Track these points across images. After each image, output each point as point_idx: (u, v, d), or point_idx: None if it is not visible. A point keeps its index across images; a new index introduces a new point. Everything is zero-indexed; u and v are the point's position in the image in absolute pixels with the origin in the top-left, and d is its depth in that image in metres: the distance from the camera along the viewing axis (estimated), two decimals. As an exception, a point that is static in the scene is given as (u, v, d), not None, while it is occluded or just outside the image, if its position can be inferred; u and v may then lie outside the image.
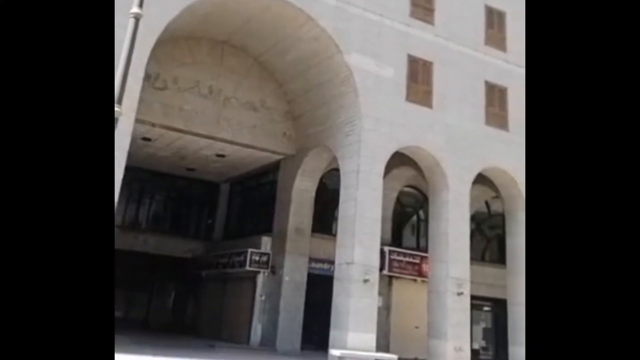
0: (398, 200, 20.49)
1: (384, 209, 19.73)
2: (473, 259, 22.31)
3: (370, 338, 13.77)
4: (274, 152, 18.69)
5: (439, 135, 16.50)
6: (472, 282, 21.25)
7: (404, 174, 19.23)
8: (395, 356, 14.00)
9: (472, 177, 16.75)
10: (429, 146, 16.30)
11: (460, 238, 16.15)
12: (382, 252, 18.84)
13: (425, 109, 16.44)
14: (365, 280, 14.05)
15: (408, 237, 20.88)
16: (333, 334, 14.05)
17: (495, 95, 17.94)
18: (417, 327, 16.23)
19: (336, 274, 14.80)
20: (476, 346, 21.89)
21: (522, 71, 18.61)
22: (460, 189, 16.45)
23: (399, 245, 19.58)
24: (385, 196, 19.80)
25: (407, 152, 16.80)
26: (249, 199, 21.80)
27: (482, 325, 21.89)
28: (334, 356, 13.27)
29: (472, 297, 22.93)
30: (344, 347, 13.40)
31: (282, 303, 17.15)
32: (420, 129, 16.26)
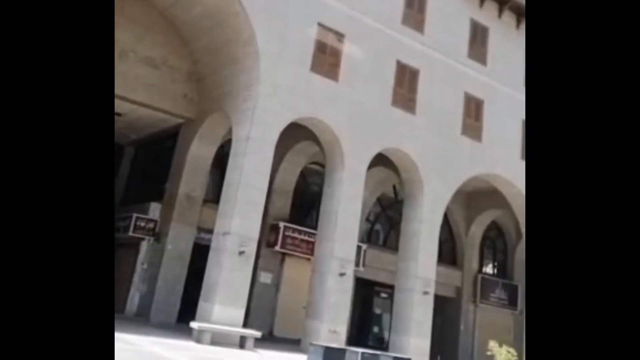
0: (302, 175, 19.79)
1: (286, 183, 19.16)
2: (374, 243, 22.17)
3: (239, 313, 13.03)
4: (171, 113, 17.58)
5: (342, 110, 15.84)
6: (371, 267, 21.13)
7: (310, 150, 18.53)
8: (258, 333, 13.31)
9: (370, 156, 16.21)
10: (330, 120, 15.62)
11: (351, 218, 15.60)
12: (276, 228, 18.17)
13: (330, 82, 15.74)
14: (241, 252, 13.26)
15: (309, 215, 20.25)
16: (201, 305, 13.24)
17: (405, 76, 17.44)
18: (304, 307, 15.65)
19: (213, 244, 13.96)
20: (376, 331, 21.67)
21: (438, 55, 18.23)
22: (357, 168, 15.88)
23: (299, 223, 18.90)
24: (289, 170, 19.21)
25: (309, 125, 16.09)
26: (150, 163, 20.60)
27: (377, 311, 21.64)
28: (194, 329, 12.46)
29: (371, 283, 22.83)
30: (209, 321, 12.62)
31: (162, 272, 16.20)
32: (321, 101, 15.55)
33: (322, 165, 20.41)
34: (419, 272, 16.77)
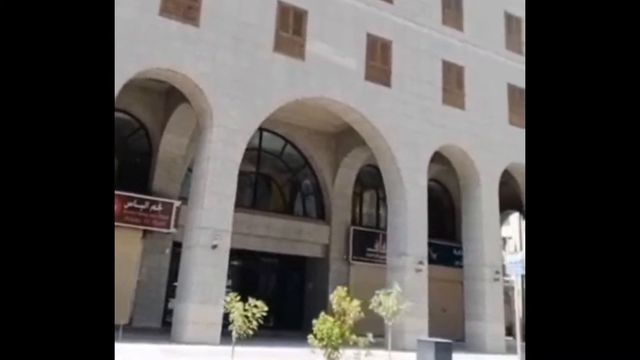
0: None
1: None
2: (258, 208, 18.85)
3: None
4: None
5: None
6: (256, 236, 17.98)
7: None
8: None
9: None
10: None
11: (223, 177, 13.07)
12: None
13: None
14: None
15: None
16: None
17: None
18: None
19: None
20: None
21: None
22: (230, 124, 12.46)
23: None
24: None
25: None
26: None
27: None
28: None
29: (258, 254, 19.44)
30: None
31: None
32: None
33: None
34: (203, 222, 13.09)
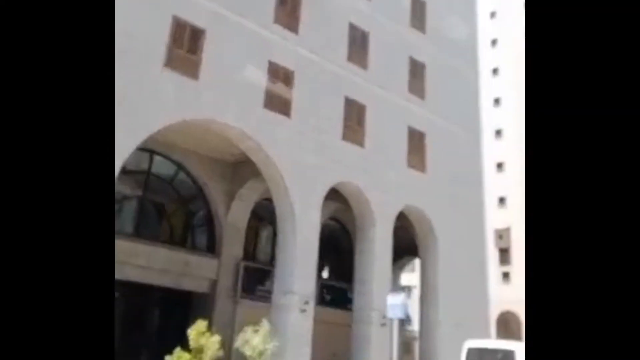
0: None
1: None
2: (141, 236, 17.18)
3: None
4: None
5: None
6: (137, 266, 16.26)
7: None
8: None
9: None
10: None
11: None
12: None
13: None
14: None
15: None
16: None
17: None
18: None
19: None
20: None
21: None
22: None
23: None
24: None
25: None
26: None
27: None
28: None
29: (139, 286, 17.62)
30: None
31: None
32: None
33: None
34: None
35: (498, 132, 43.80)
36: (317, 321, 15.70)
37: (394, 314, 12.58)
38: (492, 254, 38.98)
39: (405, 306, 12.55)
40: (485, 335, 20.29)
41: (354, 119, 18.76)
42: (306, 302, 15.30)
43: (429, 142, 21.33)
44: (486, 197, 41.73)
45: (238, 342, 9.77)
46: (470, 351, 10.89)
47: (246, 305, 18.45)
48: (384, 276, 18.00)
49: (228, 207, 18.94)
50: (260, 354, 9.81)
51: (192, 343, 7.94)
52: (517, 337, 35.92)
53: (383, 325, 16.97)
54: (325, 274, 21.52)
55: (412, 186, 20.02)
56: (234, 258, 18.79)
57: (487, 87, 41.16)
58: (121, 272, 15.92)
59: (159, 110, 13.55)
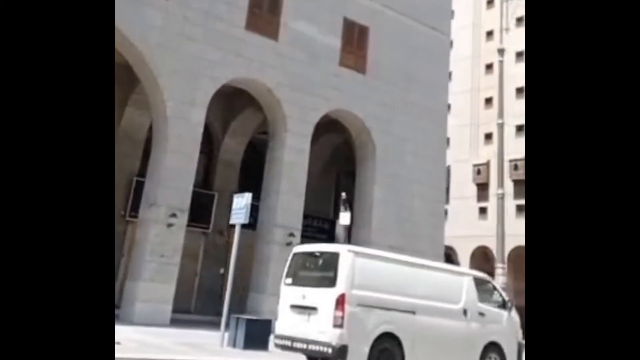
0: None
1: None
2: None
3: None
4: None
5: None
6: None
7: None
8: None
9: None
10: None
11: None
12: None
13: None
14: None
15: None
16: None
17: None
18: None
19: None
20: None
21: None
22: None
23: None
24: None
25: None
26: None
27: None
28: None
29: None
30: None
31: None
32: None
33: None
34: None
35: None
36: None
37: (237, 218, 10.01)
38: (471, 190, 36.32)
39: (248, 208, 9.92)
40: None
41: (264, 4, 15.59)
42: (173, 215, 12.88)
43: (374, 38, 17.89)
44: (473, 131, 37.63)
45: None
46: (296, 256, 8.50)
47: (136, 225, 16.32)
48: (295, 189, 15.27)
49: (121, 115, 16.48)
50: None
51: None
52: (489, 271, 33.45)
53: (289, 244, 14.37)
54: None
55: (345, 89, 16.84)
56: (127, 173, 16.48)
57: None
58: None
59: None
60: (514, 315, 9.81)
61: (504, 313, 9.59)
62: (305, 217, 15.81)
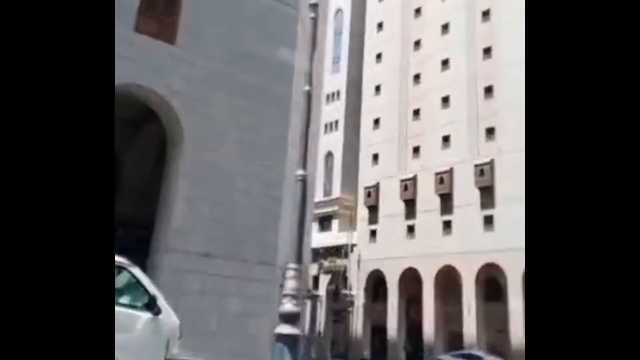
0: None
1: None
2: None
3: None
4: None
5: None
6: None
7: None
8: None
9: None
10: None
11: None
12: None
13: None
14: None
15: None
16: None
17: None
18: None
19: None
20: None
21: None
22: None
23: None
24: None
25: None
26: None
27: None
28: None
29: None
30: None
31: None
32: None
33: None
34: None
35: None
36: None
37: None
38: (434, 201, 32.54)
39: None
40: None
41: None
42: None
43: (190, 3, 14.88)
44: (431, 139, 34.13)
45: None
46: None
47: None
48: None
49: None
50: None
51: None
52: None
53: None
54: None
55: (142, 60, 13.67)
56: None
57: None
58: None
59: None
60: (169, 320, 6.20)
61: (145, 317, 6.01)
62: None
